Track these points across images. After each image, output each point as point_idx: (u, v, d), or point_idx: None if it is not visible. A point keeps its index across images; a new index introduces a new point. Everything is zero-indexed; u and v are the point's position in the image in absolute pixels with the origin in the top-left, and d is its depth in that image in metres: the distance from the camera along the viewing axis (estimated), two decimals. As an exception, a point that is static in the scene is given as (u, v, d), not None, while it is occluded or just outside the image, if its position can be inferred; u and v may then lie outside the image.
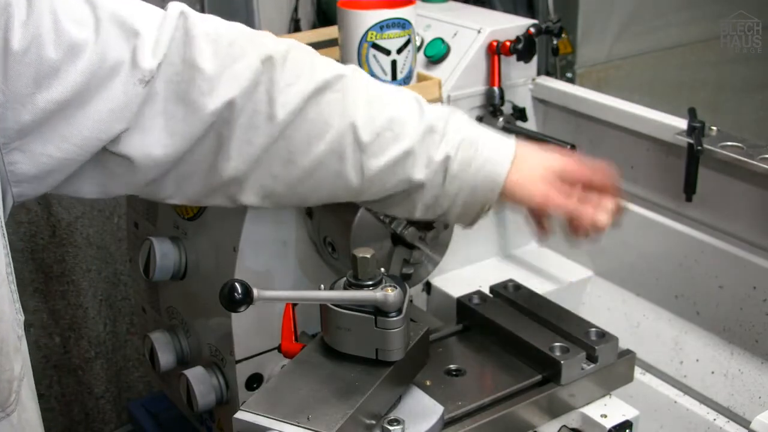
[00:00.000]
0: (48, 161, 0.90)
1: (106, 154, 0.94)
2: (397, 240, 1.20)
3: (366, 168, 1.01)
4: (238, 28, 1.00)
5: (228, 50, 0.96)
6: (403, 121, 1.02)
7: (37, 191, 0.93)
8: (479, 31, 1.44)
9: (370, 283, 1.00)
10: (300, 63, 1.00)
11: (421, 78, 1.40)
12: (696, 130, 1.29)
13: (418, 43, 1.41)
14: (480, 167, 1.04)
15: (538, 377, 1.15)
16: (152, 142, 0.95)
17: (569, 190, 1.09)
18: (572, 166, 1.10)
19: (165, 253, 1.30)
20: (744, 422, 1.27)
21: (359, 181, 1.02)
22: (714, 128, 1.31)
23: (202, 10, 2.03)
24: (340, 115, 0.99)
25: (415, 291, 1.49)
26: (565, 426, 1.16)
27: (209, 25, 0.97)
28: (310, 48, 1.05)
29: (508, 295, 1.29)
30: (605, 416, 1.14)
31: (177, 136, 0.95)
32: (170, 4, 0.97)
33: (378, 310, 0.98)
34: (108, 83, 0.90)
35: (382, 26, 1.30)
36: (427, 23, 1.51)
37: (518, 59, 1.45)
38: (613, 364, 1.17)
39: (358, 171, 1.01)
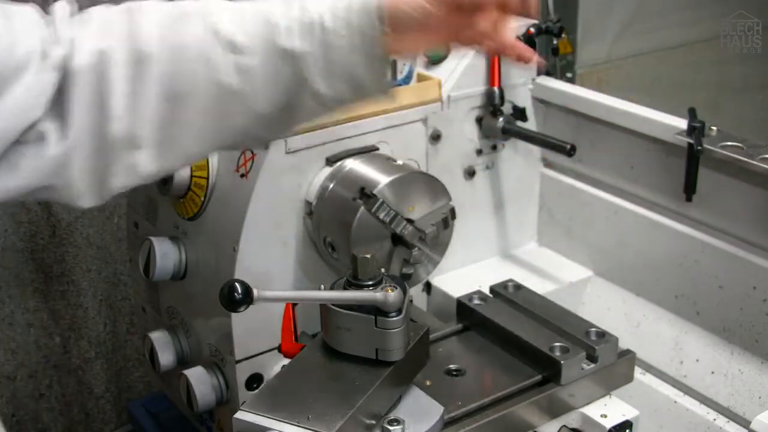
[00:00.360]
0: None
1: (14, 145, 0.92)
2: (397, 240, 1.20)
3: (242, 65, 0.97)
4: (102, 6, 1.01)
5: (97, 14, 0.97)
6: (264, 8, 1.00)
7: None
8: (479, 31, 1.44)
9: (370, 283, 1.00)
10: (159, 4, 1.00)
11: (421, 78, 1.40)
12: (696, 130, 1.29)
13: (418, 43, 1.41)
14: (354, 7, 0.98)
15: (538, 377, 1.15)
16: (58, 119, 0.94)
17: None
18: None
19: (165, 253, 1.30)
20: (744, 422, 1.27)
21: (242, 82, 0.98)
22: (714, 128, 1.31)
23: (202, 10, 2.02)
24: (203, 28, 0.97)
25: (415, 291, 1.49)
26: (565, 426, 1.16)
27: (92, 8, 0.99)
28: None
29: (508, 295, 1.29)
30: (605, 416, 1.14)
31: (70, 103, 0.94)
32: (58, 3, 0.97)
33: (378, 310, 0.98)
34: (20, 74, 0.89)
35: (382, 26, 1.29)
36: (427, 23, 1.51)
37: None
38: (613, 364, 1.17)
39: (235, 72, 0.97)
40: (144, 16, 0.97)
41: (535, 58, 1.06)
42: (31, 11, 0.93)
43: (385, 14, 0.98)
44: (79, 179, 0.97)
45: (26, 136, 0.92)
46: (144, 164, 0.99)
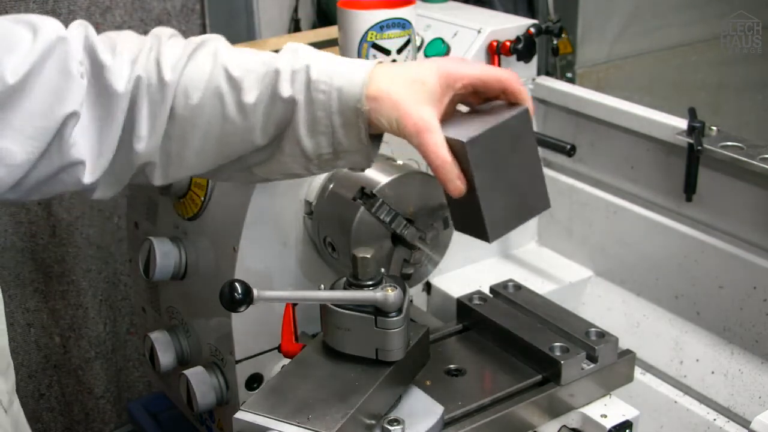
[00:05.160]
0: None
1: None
2: (397, 240, 1.20)
3: (244, 103, 1.03)
4: (127, 31, 1.09)
5: (123, 42, 1.04)
6: (269, 54, 1.06)
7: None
8: (479, 31, 1.44)
9: (370, 283, 1.00)
10: (180, 38, 1.08)
11: (421, 78, 1.40)
12: (696, 130, 1.29)
13: (418, 43, 1.41)
14: (341, 71, 1.03)
15: (538, 377, 1.15)
16: (92, 150, 1.01)
17: (453, 105, 1.05)
18: (451, 68, 1.02)
19: (165, 253, 1.30)
20: (744, 422, 1.27)
21: (242, 117, 1.04)
22: (714, 128, 1.31)
23: (202, 11, 2.03)
24: (213, 64, 1.04)
25: (415, 291, 1.49)
26: (565, 426, 1.16)
27: (104, 33, 1.06)
28: None
29: (508, 295, 1.29)
30: (605, 416, 1.14)
31: (107, 135, 1.01)
32: (74, 22, 1.03)
33: (378, 310, 0.98)
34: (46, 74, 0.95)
35: (382, 26, 1.30)
36: (427, 23, 1.51)
37: (518, 59, 1.45)
38: (613, 364, 1.17)
39: (238, 108, 1.04)
40: (166, 47, 1.05)
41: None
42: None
43: (369, 95, 1.01)
44: (98, 184, 1.05)
45: (63, 131, 0.98)
46: (154, 177, 1.08)
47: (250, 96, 1.03)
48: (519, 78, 1.04)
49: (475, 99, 1.06)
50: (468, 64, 1.03)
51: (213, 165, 1.10)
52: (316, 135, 1.04)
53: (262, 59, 1.05)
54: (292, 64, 1.04)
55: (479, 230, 1.05)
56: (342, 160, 1.07)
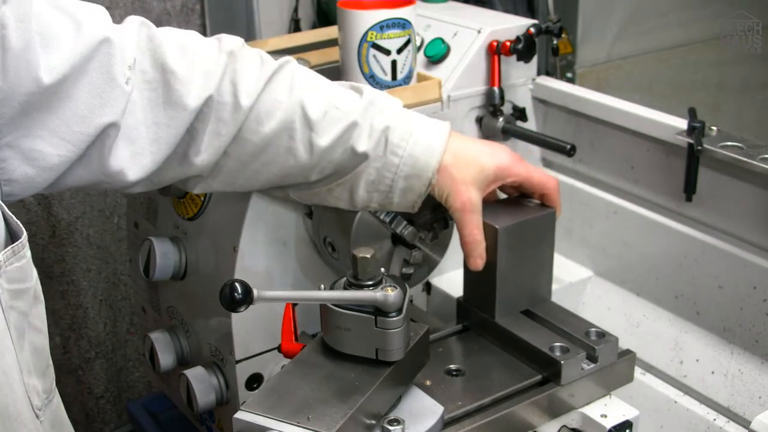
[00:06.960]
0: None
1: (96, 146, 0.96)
2: (397, 240, 1.20)
3: (315, 145, 1.04)
4: (192, 32, 1.05)
5: (194, 49, 1.01)
6: (346, 98, 1.07)
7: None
8: (479, 31, 1.44)
9: (370, 283, 1.00)
10: (253, 54, 1.06)
11: (421, 78, 1.40)
12: (696, 130, 1.29)
13: (418, 43, 1.41)
14: (418, 138, 1.07)
15: (538, 377, 1.15)
16: (139, 152, 0.99)
17: (495, 191, 1.16)
18: (508, 163, 1.13)
19: (165, 253, 1.30)
20: (744, 422, 1.27)
21: (308, 157, 1.05)
22: (714, 128, 1.31)
23: (202, 10, 2.03)
24: (289, 95, 1.04)
25: (415, 291, 1.49)
26: (565, 426, 1.16)
27: (168, 31, 1.02)
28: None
29: (508, 295, 1.29)
30: (605, 416, 1.14)
31: (161, 141, 0.99)
32: (129, 17, 1.00)
33: (378, 310, 0.98)
34: (87, 78, 0.92)
35: (382, 26, 1.30)
36: (427, 23, 1.51)
37: (518, 59, 1.45)
38: (613, 364, 1.17)
39: (307, 147, 1.05)
40: (243, 67, 1.03)
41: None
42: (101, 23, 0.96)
43: (440, 168, 1.07)
44: (142, 186, 1.05)
45: (104, 140, 0.96)
46: (195, 186, 1.09)
47: (323, 139, 1.04)
48: (558, 187, 1.18)
49: (515, 191, 1.19)
50: (522, 164, 1.14)
51: (259, 187, 1.11)
52: (372, 191, 1.08)
53: (337, 101, 1.06)
54: (371, 121, 1.05)
55: (487, 307, 1.19)
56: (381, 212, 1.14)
